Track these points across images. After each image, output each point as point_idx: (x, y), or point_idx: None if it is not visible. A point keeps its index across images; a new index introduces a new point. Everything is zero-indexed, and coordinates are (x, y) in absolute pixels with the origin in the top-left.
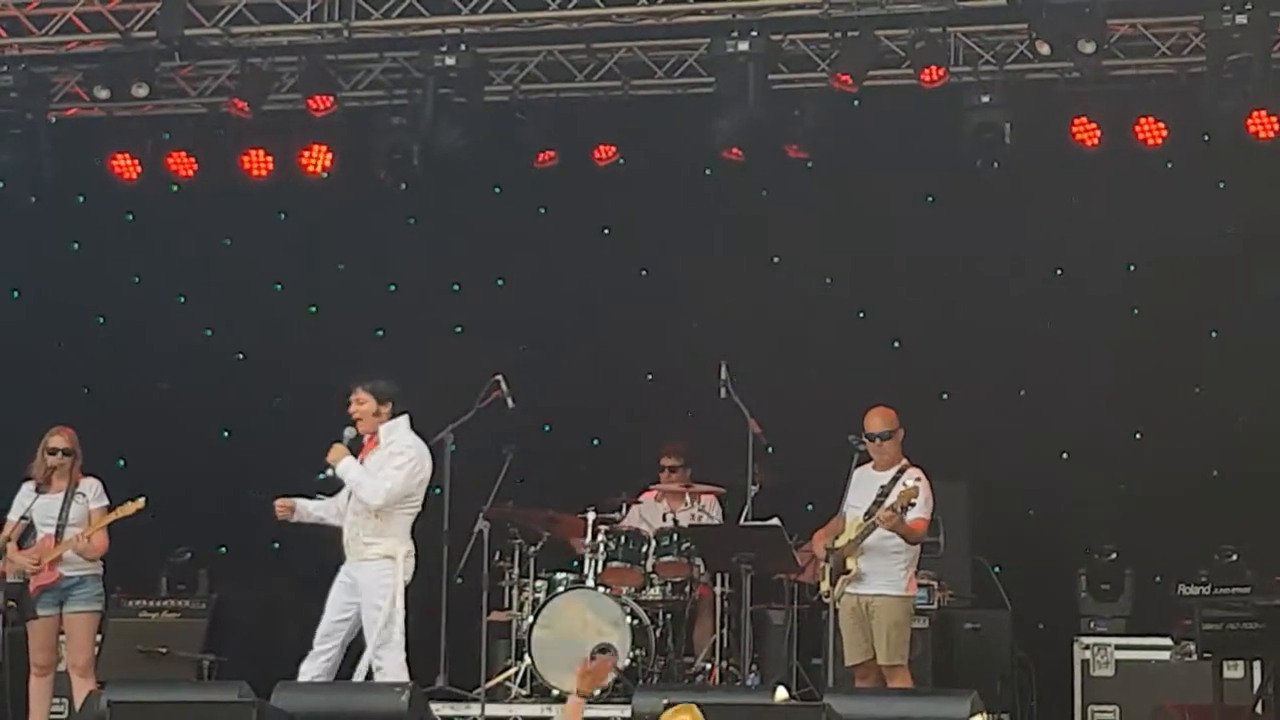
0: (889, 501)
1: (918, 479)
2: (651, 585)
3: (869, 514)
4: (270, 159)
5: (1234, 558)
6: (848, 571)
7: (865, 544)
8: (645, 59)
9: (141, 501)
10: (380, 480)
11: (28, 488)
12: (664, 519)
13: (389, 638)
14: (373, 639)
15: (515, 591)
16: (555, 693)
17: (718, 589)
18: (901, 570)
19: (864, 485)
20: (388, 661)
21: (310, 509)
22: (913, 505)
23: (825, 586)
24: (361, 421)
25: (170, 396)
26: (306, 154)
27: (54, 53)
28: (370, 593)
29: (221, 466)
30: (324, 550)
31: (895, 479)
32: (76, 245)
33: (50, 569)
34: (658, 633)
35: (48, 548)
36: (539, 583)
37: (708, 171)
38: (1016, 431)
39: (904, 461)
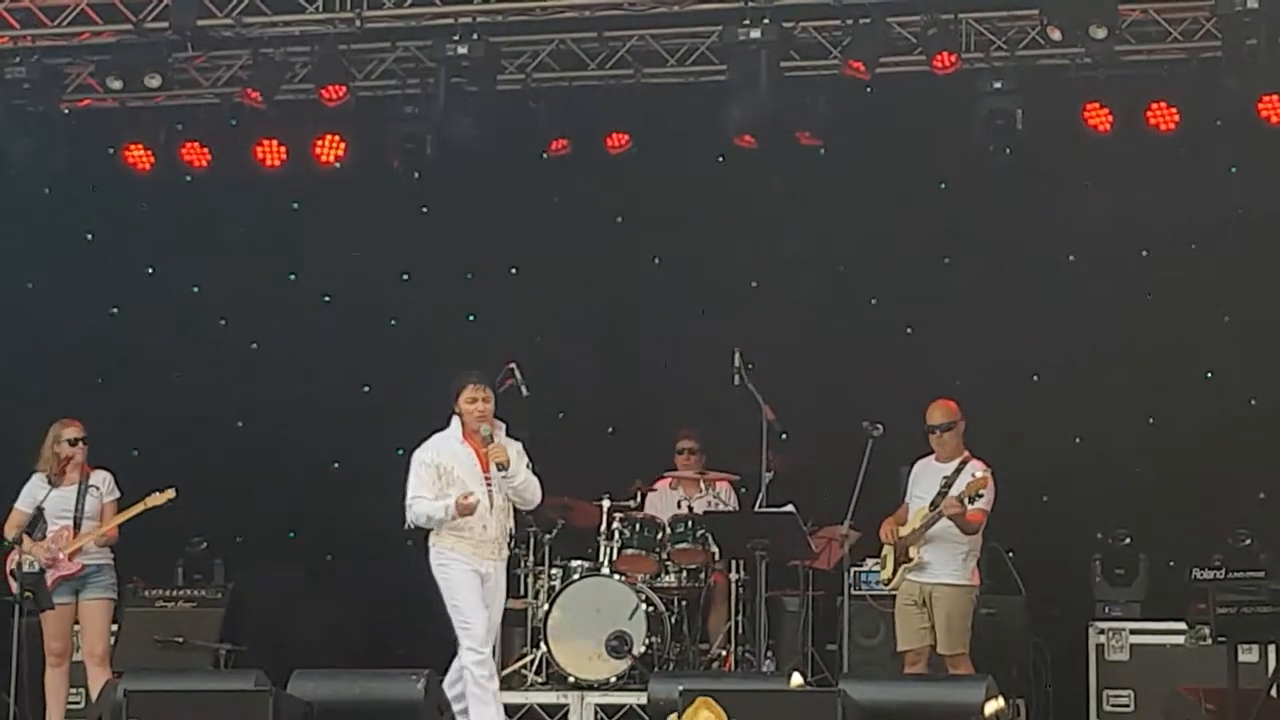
0: (954, 492)
1: (987, 471)
2: (667, 572)
3: (934, 504)
4: (284, 149)
5: (1248, 542)
6: (910, 560)
7: (930, 533)
8: (657, 47)
9: (171, 492)
10: (535, 480)
11: (39, 479)
12: (679, 506)
13: None
14: (493, 639)
15: (531, 579)
16: (571, 679)
17: (733, 575)
18: (963, 560)
19: (926, 477)
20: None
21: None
22: (980, 496)
23: (885, 574)
24: (485, 418)
25: (184, 386)
26: (320, 143)
27: (66, 44)
28: (502, 591)
29: (236, 456)
30: (338, 539)
31: (958, 470)
32: (90, 236)
33: (71, 560)
34: (673, 619)
35: (67, 538)
36: (554, 570)
37: (720, 159)
38: (1029, 417)
39: (966, 454)
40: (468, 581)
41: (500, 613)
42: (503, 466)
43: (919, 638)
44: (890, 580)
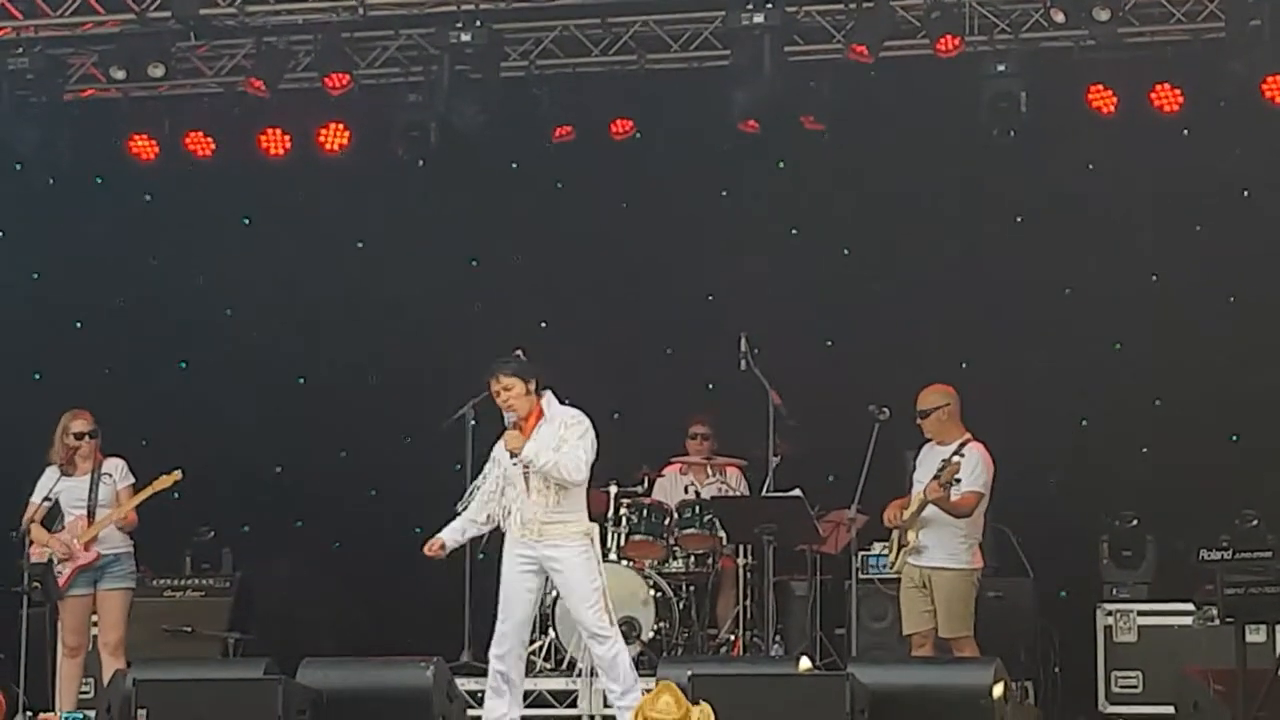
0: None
1: (961, 456)
2: (674, 557)
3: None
4: (288, 138)
5: (1255, 522)
6: (907, 544)
7: (925, 517)
8: (661, 33)
9: (178, 473)
10: (575, 454)
11: (51, 471)
12: (687, 491)
13: (609, 619)
14: (592, 620)
15: None
16: (578, 667)
17: (741, 560)
18: (960, 543)
19: (929, 460)
20: (621, 646)
21: (456, 535)
22: (958, 481)
23: (891, 558)
24: (516, 405)
25: (190, 376)
26: (324, 132)
27: (70, 34)
28: (580, 571)
29: (243, 445)
30: (347, 527)
31: (956, 453)
32: (95, 226)
33: (87, 549)
34: (681, 605)
35: (82, 528)
36: None
37: (724, 144)
38: (1036, 399)
39: (966, 436)
40: (506, 579)
41: (579, 595)
42: (513, 454)
43: (923, 620)
44: (894, 564)
